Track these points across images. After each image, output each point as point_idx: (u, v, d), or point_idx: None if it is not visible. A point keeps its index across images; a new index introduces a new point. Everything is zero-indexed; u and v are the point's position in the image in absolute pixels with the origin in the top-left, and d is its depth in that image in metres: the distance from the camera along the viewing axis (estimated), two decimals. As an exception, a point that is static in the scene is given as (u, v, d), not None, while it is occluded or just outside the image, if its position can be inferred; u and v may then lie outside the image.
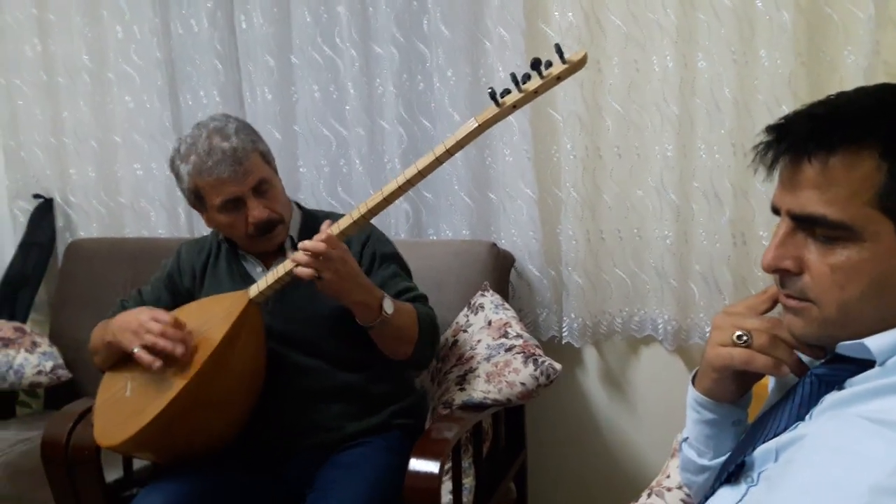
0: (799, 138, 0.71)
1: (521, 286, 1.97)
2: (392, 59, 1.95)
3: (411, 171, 1.25)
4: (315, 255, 1.27)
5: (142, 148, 2.25)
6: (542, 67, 1.13)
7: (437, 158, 1.23)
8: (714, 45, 1.69)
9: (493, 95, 1.17)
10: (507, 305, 1.73)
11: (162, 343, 1.33)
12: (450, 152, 1.22)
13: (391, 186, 1.26)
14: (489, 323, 1.66)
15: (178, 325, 1.37)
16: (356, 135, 2.02)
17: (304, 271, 1.29)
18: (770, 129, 0.74)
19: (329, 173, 2.09)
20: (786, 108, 1.62)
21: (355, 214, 1.30)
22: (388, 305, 1.37)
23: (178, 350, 1.33)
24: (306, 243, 1.28)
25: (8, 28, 2.28)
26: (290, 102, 2.10)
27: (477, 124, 1.20)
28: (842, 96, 0.73)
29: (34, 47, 2.29)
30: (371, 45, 1.98)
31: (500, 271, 1.86)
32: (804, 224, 0.72)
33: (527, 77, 1.15)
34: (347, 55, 1.99)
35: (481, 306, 1.72)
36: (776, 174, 0.75)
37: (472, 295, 1.77)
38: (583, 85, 1.79)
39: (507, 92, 1.17)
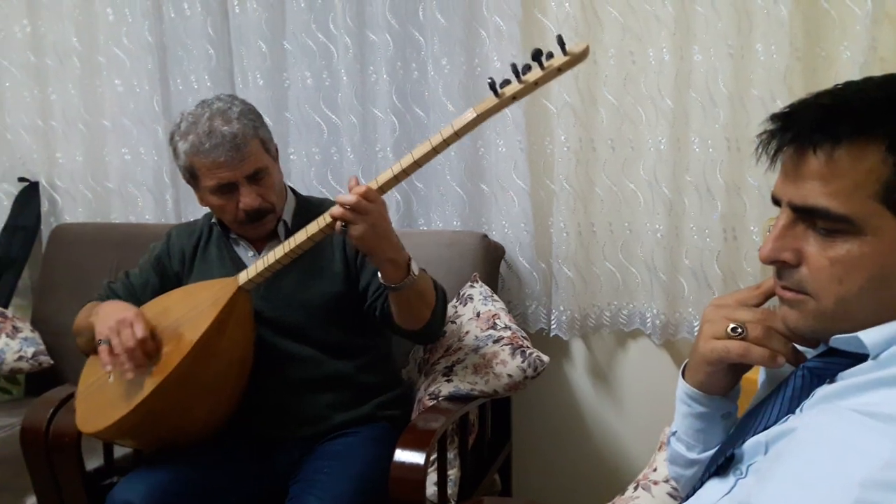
0: (805, 128, 0.69)
1: (510, 278, 1.96)
2: (386, 46, 1.93)
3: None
4: (354, 207, 1.21)
5: (130, 132, 2.22)
6: (543, 58, 1.11)
7: (433, 148, 1.21)
8: (711, 38, 1.68)
9: (492, 86, 1.15)
10: (496, 297, 1.72)
11: (123, 357, 1.30)
12: (447, 142, 1.20)
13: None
14: (478, 314, 1.65)
15: (146, 343, 1.32)
16: (348, 122, 2.00)
17: (339, 226, 1.23)
18: (775, 117, 0.73)
19: (320, 161, 2.07)
20: (780, 103, 1.61)
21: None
22: (415, 266, 1.33)
23: (128, 375, 1.30)
24: (345, 197, 1.22)
25: (-3, 8, 2.25)
26: (282, 89, 2.08)
27: (475, 114, 1.17)
28: (849, 86, 0.71)
29: (23, 28, 2.25)
30: (365, 33, 1.96)
31: (490, 263, 1.85)
32: (805, 216, 0.71)
33: (527, 68, 1.13)
34: (341, 42, 1.96)
35: (470, 297, 1.70)
36: (778, 164, 0.73)
37: (461, 286, 1.75)
38: (578, 76, 1.77)
39: (506, 82, 1.15)
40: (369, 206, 1.22)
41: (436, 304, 1.42)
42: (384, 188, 1.26)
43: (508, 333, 1.58)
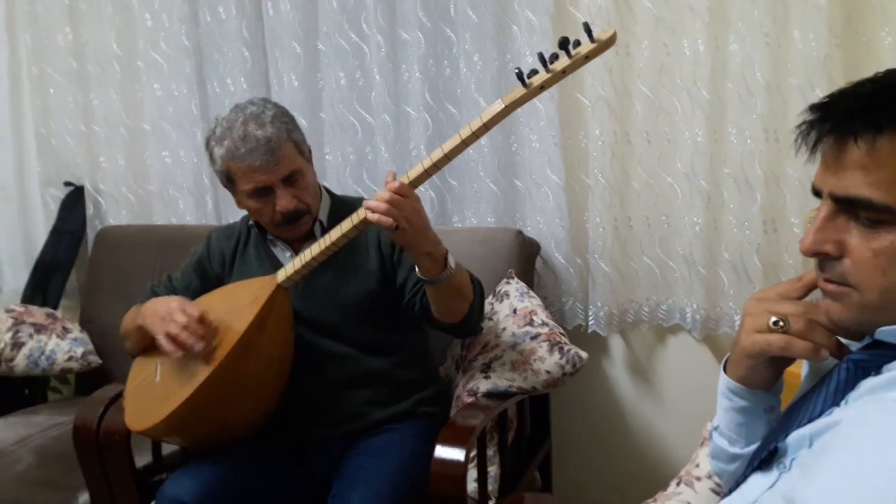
0: (845, 118, 0.68)
1: (546, 274, 1.96)
2: (418, 44, 1.94)
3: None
4: (388, 202, 1.23)
5: (170, 136, 2.26)
6: (570, 47, 1.11)
7: (463, 141, 1.22)
8: (746, 27, 1.65)
9: (519, 76, 1.15)
10: (532, 293, 1.72)
11: (183, 336, 1.33)
12: (476, 134, 1.21)
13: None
14: (514, 311, 1.65)
15: (203, 320, 1.36)
16: (382, 121, 2.02)
17: (374, 217, 1.24)
18: (814, 107, 0.72)
19: (355, 160, 2.09)
20: (820, 92, 1.58)
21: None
22: (452, 260, 1.33)
23: (197, 347, 1.33)
24: (381, 193, 1.24)
25: (41, 17, 2.31)
26: (317, 89, 2.10)
27: (503, 105, 1.18)
28: (890, 75, 0.70)
29: (66, 36, 2.31)
30: (398, 31, 1.97)
31: (525, 259, 1.85)
32: (847, 207, 0.70)
33: (554, 57, 1.13)
34: (374, 41, 1.98)
35: (506, 294, 1.71)
36: (818, 154, 0.72)
37: (496, 283, 1.76)
38: (612, 69, 1.76)
39: (534, 72, 1.15)
40: (403, 201, 1.23)
41: (473, 298, 1.43)
42: (415, 182, 1.27)
43: (546, 330, 1.58)
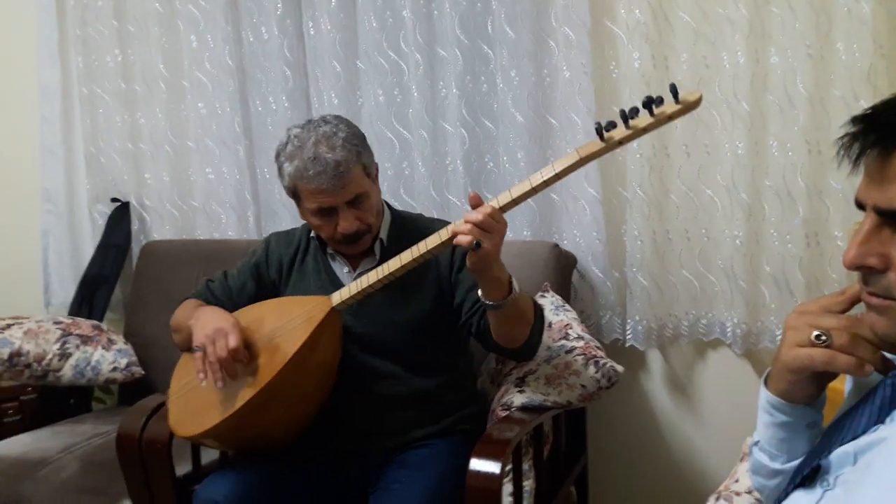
0: (888, 130, 0.68)
1: (583, 287, 1.95)
2: (456, 61, 1.96)
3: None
4: (480, 224, 1.22)
5: (213, 153, 2.31)
6: (654, 105, 1.09)
7: (532, 188, 1.22)
8: (788, 39, 1.64)
9: (598, 130, 1.14)
10: (568, 307, 1.71)
11: (216, 367, 1.35)
12: (546, 182, 1.21)
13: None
14: (549, 324, 1.64)
15: (239, 355, 1.36)
16: (419, 137, 2.04)
17: (464, 239, 1.23)
18: (856, 119, 0.71)
19: (392, 175, 2.11)
20: (864, 103, 1.55)
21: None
22: (516, 284, 1.33)
23: (219, 383, 1.36)
24: (473, 217, 1.23)
25: (91, 40, 2.39)
26: (356, 106, 2.14)
27: (579, 157, 1.17)
28: None
29: (115, 58, 2.37)
30: (435, 49, 1.99)
31: (561, 272, 1.84)
32: (891, 220, 0.69)
33: (635, 112, 1.11)
34: (412, 59, 2.01)
35: (541, 307, 1.70)
36: (861, 167, 0.71)
37: (532, 296, 1.74)
38: (649, 82, 1.76)
39: (612, 125, 1.14)
40: (495, 224, 1.23)
41: (534, 322, 1.42)
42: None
43: (581, 344, 1.57)
